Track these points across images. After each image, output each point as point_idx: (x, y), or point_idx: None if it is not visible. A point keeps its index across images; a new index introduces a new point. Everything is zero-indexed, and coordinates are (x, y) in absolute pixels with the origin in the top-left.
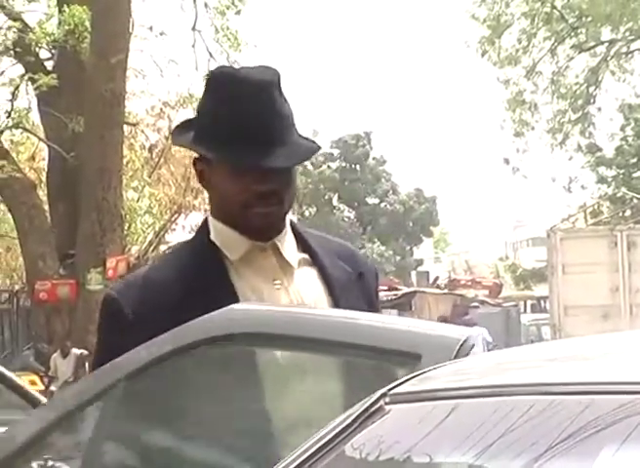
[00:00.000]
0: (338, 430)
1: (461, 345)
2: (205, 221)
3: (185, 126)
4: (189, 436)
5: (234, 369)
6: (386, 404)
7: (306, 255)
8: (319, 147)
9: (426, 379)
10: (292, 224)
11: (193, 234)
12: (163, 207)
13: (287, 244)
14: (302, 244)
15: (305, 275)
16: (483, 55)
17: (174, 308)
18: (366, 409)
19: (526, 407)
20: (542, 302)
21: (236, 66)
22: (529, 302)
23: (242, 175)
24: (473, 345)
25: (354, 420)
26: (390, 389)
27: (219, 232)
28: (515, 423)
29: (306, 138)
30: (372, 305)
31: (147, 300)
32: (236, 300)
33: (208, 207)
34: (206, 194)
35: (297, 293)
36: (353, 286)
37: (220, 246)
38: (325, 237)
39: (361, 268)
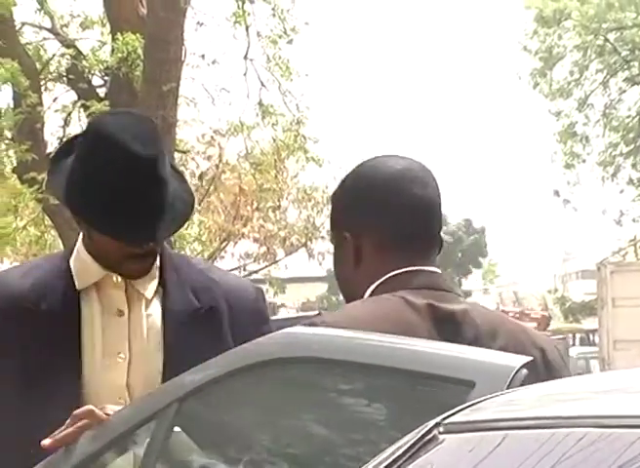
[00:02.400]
0: (391, 459)
1: (515, 374)
2: (74, 243)
3: (56, 167)
4: (241, 459)
5: (287, 392)
6: (440, 433)
7: (161, 290)
8: (193, 199)
9: (479, 409)
10: (161, 255)
11: (64, 252)
12: (212, 234)
13: (145, 277)
14: (163, 273)
15: (154, 308)
16: (535, 87)
17: (31, 319)
18: (420, 439)
19: (577, 439)
20: (591, 336)
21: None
22: (577, 335)
23: (117, 241)
24: (527, 374)
25: (408, 449)
26: (444, 418)
27: (80, 259)
28: (565, 455)
29: (182, 184)
30: (221, 339)
31: (2, 299)
32: (77, 326)
33: (256, 234)
34: (255, 222)
35: (138, 326)
36: (196, 321)
37: (74, 272)
38: (193, 265)
39: (212, 303)
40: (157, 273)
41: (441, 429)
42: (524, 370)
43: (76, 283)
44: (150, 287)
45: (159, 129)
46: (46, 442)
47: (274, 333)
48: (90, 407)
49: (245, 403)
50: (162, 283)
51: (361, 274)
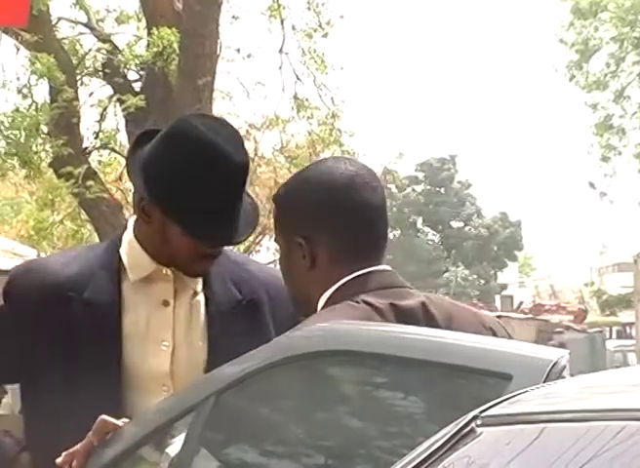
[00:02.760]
0: (429, 452)
1: (552, 367)
2: (121, 233)
3: (136, 160)
4: (277, 451)
5: (324, 385)
6: (478, 426)
7: (202, 279)
8: (257, 205)
9: (517, 402)
10: None
11: (109, 242)
12: None
13: None
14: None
15: (198, 297)
16: (571, 79)
17: (75, 305)
18: (458, 431)
19: (614, 432)
20: (628, 329)
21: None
22: (614, 328)
23: (195, 241)
24: (564, 367)
25: (446, 442)
26: (482, 411)
27: (131, 250)
28: (604, 448)
29: (249, 196)
30: (261, 329)
31: (44, 291)
32: (119, 313)
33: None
34: None
35: (183, 315)
36: (238, 312)
37: (126, 263)
38: (233, 260)
39: (253, 295)
40: None
41: (479, 422)
42: (562, 363)
43: (129, 275)
44: (197, 281)
45: None
46: (59, 460)
47: (311, 327)
48: (103, 417)
49: (282, 396)
50: (205, 277)
51: (315, 279)
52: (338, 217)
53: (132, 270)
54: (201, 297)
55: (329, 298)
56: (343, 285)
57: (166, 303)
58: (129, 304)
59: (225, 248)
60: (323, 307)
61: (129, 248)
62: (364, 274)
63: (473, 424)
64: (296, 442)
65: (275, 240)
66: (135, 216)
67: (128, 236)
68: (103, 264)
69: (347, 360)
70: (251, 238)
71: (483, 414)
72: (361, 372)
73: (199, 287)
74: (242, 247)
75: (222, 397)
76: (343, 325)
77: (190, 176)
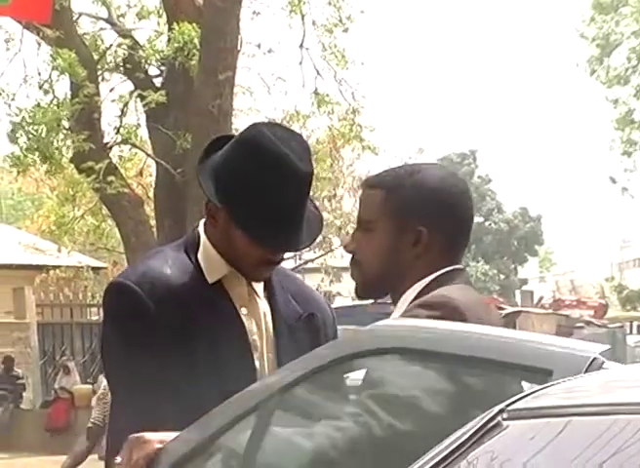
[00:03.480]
0: (456, 444)
1: (591, 362)
2: (197, 236)
3: (207, 164)
4: (339, 447)
5: (383, 382)
6: (504, 419)
7: (266, 291)
8: (321, 216)
9: (542, 396)
10: None
11: (181, 244)
12: None
13: None
14: (269, 279)
15: (264, 307)
16: (592, 74)
17: (187, 310)
18: (484, 425)
19: (638, 425)
20: None
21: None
22: (635, 324)
23: (258, 247)
24: (603, 362)
25: (472, 435)
26: (508, 405)
27: (207, 254)
28: (627, 441)
29: (314, 205)
30: (317, 345)
31: (164, 296)
32: (239, 317)
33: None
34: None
35: (254, 323)
36: (301, 325)
37: (203, 267)
38: (288, 274)
39: (313, 309)
40: None
41: (505, 415)
42: (601, 358)
43: (207, 277)
44: (260, 287)
45: (216, 118)
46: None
47: (370, 326)
48: (139, 436)
49: (345, 392)
50: (268, 286)
51: (416, 267)
52: (454, 218)
53: (208, 272)
54: (266, 306)
55: (425, 287)
56: (441, 276)
57: (245, 307)
58: (220, 309)
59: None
60: (418, 295)
61: (204, 252)
62: (456, 269)
63: (499, 418)
64: (355, 438)
65: (367, 221)
66: (204, 220)
67: (203, 239)
68: (188, 269)
69: (402, 357)
70: None
71: (509, 408)
72: (414, 369)
73: (263, 294)
74: None
75: (287, 394)
76: (399, 323)
77: (256, 182)
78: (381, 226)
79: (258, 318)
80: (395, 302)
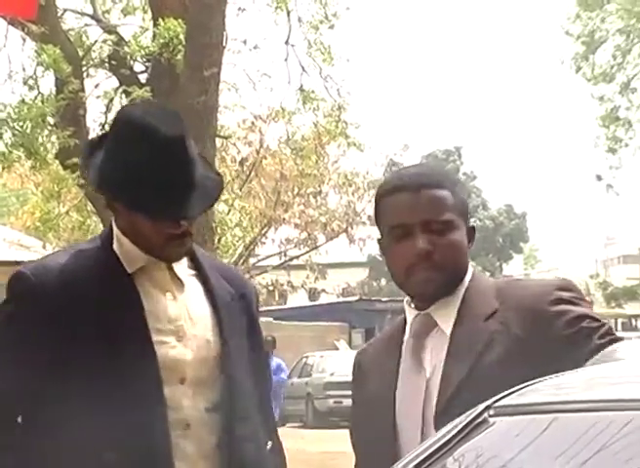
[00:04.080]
0: (443, 441)
1: None
2: (110, 230)
3: (90, 160)
4: None
5: None
6: (490, 416)
7: (195, 272)
8: (222, 180)
9: (528, 392)
10: None
11: (96, 238)
12: (253, 220)
13: (180, 261)
14: (193, 260)
15: (194, 290)
16: (577, 71)
17: (92, 304)
18: (470, 421)
19: (623, 422)
20: (634, 321)
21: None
22: (620, 320)
23: (158, 221)
24: None
25: (459, 432)
26: (494, 402)
27: (121, 244)
28: (612, 438)
29: (207, 165)
30: (252, 325)
31: (60, 285)
32: (140, 308)
33: (297, 220)
34: (296, 207)
35: (185, 306)
36: (235, 305)
37: (120, 257)
38: (211, 257)
39: (243, 289)
40: (186, 259)
41: (491, 412)
42: None
43: (126, 267)
44: (185, 271)
45: (201, 114)
46: None
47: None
48: None
49: None
50: (197, 268)
51: (467, 265)
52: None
53: (127, 262)
54: (197, 288)
55: (470, 283)
56: (472, 274)
57: (169, 294)
58: (143, 298)
59: (204, 253)
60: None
61: (118, 242)
62: None
63: (486, 414)
64: None
65: (443, 221)
66: None
67: (116, 231)
68: (106, 261)
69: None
70: (256, 229)
71: (495, 405)
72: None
73: (188, 277)
74: (247, 239)
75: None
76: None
77: (124, 157)
78: (457, 226)
79: (184, 302)
80: (426, 301)
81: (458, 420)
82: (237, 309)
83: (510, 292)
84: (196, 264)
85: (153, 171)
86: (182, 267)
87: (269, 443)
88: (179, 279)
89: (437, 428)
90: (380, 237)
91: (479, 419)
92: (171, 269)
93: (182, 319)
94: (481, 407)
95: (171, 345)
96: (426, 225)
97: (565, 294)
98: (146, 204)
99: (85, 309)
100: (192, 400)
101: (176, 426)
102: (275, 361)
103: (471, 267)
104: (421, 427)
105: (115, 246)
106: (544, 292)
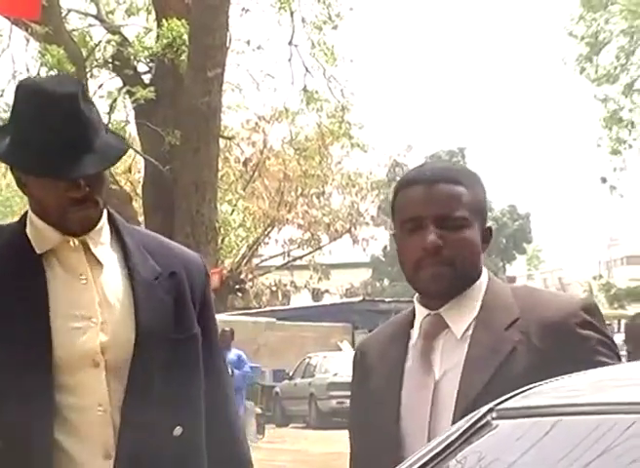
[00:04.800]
0: (445, 443)
1: None
2: (25, 214)
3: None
4: None
5: None
6: (493, 419)
7: (119, 253)
8: (127, 148)
9: (532, 395)
10: (113, 220)
11: (19, 219)
12: (257, 220)
13: (100, 240)
14: (119, 241)
15: (113, 272)
16: (581, 72)
17: None
18: (473, 424)
19: (626, 425)
20: None
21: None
22: (623, 322)
23: (54, 184)
24: None
25: (461, 434)
26: (497, 404)
27: (34, 226)
28: (615, 441)
29: (117, 138)
30: (181, 304)
31: None
32: (44, 291)
33: (300, 220)
34: (299, 208)
35: (101, 289)
36: (160, 284)
37: (30, 237)
38: (150, 235)
39: (172, 268)
40: (109, 238)
41: (494, 415)
42: None
43: (35, 247)
44: (106, 251)
45: (204, 115)
46: None
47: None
48: None
49: None
50: (121, 248)
51: (480, 265)
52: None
53: (36, 242)
54: (118, 270)
55: (487, 288)
56: (489, 277)
57: (83, 277)
58: (49, 281)
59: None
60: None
61: (30, 222)
62: None
63: (489, 417)
64: None
65: (456, 217)
66: None
67: (29, 211)
68: (17, 241)
69: None
70: (259, 230)
71: (498, 407)
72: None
73: (109, 258)
74: (250, 239)
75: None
76: None
77: (15, 121)
78: (471, 223)
79: (100, 285)
80: (437, 301)
81: (460, 423)
82: (161, 289)
83: (531, 301)
84: (121, 243)
85: (41, 128)
86: (104, 248)
87: (178, 428)
88: (96, 259)
89: None
90: (394, 231)
91: (482, 422)
92: (88, 250)
93: (95, 302)
94: (484, 409)
95: (82, 330)
96: (438, 220)
97: (590, 318)
98: (36, 163)
99: None
100: (107, 384)
101: (88, 410)
102: (234, 352)
103: (486, 270)
104: (428, 429)
105: (28, 226)
106: (571, 311)
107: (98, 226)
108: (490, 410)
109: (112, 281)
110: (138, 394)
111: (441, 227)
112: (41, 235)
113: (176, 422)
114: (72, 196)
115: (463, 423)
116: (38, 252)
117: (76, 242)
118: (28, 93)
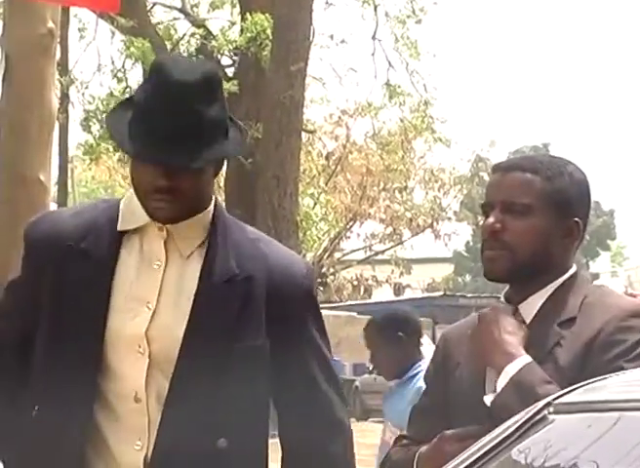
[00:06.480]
0: (502, 437)
1: None
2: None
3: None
4: None
5: None
6: (550, 413)
7: (204, 250)
8: (235, 153)
9: (592, 390)
10: (217, 216)
11: (114, 198)
12: (338, 214)
13: (189, 233)
14: (213, 238)
15: (190, 267)
16: None
17: (76, 258)
18: (530, 418)
19: None
20: None
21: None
22: None
23: (144, 168)
24: None
25: (517, 428)
26: (555, 399)
27: (128, 201)
28: None
29: (235, 139)
30: (249, 311)
31: (57, 240)
32: (111, 268)
33: (382, 215)
34: (382, 202)
35: (170, 280)
36: (231, 287)
37: (120, 213)
38: (249, 236)
39: (252, 272)
40: (202, 234)
41: (551, 409)
42: None
43: (120, 224)
44: (190, 245)
45: (287, 108)
46: None
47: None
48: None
49: None
50: (208, 244)
51: (561, 261)
52: (588, 212)
53: (123, 219)
54: (195, 265)
55: (560, 286)
56: (572, 276)
57: (157, 264)
58: (123, 260)
59: (242, 223)
60: (553, 295)
61: (128, 197)
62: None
63: (546, 411)
64: None
65: (521, 204)
66: None
67: (130, 190)
68: (110, 216)
69: None
70: (341, 224)
71: (555, 402)
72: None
73: (190, 252)
74: (332, 233)
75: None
76: None
77: (137, 104)
78: (539, 212)
79: (171, 276)
80: (518, 295)
81: (517, 417)
82: (231, 292)
83: (593, 302)
84: (211, 241)
85: (147, 112)
86: (191, 241)
87: (223, 440)
88: (178, 251)
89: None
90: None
91: (538, 416)
92: (172, 239)
93: (157, 290)
94: (541, 403)
95: (134, 312)
96: (505, 205)
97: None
98: (131, 143)
99: (68, 262)
100: (147, 374)
101: (125, 397)
102: None
103: (577, 270)
104: None
105: (122, 203)
106: (619, 315)
107: (188, 221)
108: (547, 405)
109: (184, 275)
110: (181, 393)
111: (506, 213)
112: (131, 211)
113: (221, 434)
114: (156, 184)
115: (520, 417)
116: (120, 228)
117: (164, 228)
118: (152, 75)
